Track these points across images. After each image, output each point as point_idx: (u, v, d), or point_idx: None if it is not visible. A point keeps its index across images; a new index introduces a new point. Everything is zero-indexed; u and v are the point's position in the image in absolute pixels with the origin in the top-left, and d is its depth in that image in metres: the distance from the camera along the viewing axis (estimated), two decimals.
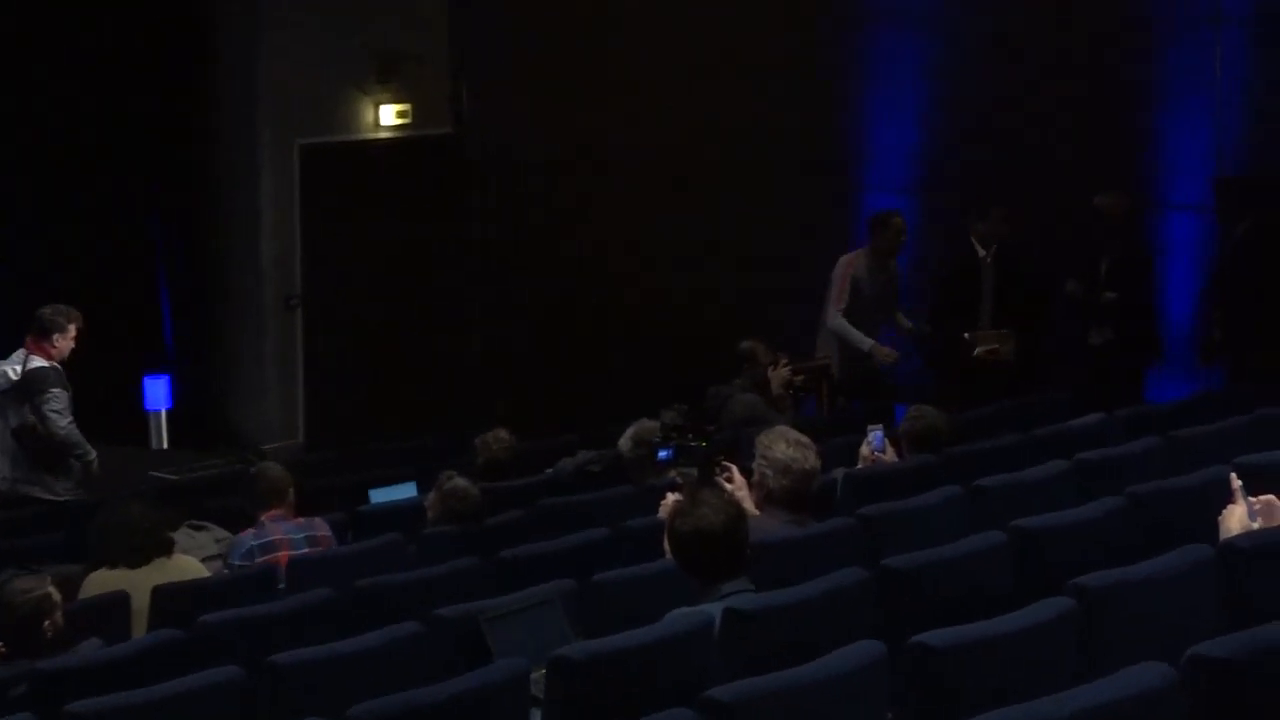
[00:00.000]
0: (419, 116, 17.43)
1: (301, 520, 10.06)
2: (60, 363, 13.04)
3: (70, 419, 13.06)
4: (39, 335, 13.09)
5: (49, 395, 12.91)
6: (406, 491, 11.67)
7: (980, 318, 13.87)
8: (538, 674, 6.10)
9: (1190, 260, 14.04)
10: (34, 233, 17.68)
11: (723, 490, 7.99)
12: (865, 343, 13.67)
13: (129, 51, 17.05)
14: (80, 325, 13.23)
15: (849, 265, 13.89)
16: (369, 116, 17.35)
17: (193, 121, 17.11)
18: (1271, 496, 6.59)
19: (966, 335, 13.61)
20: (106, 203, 17.35)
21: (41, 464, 12.94)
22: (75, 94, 17.20)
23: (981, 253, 13.91)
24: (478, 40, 17.33)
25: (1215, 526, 6.53)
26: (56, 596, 7.59)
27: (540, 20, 16.94)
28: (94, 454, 13.20)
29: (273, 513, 9.96)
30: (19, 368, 12.86)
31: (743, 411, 11.04)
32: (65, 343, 13.07)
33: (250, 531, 9.90)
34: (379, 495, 11.60)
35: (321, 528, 10.10)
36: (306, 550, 9.72)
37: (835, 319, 13.74)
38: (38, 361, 12.97)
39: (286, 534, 9.80)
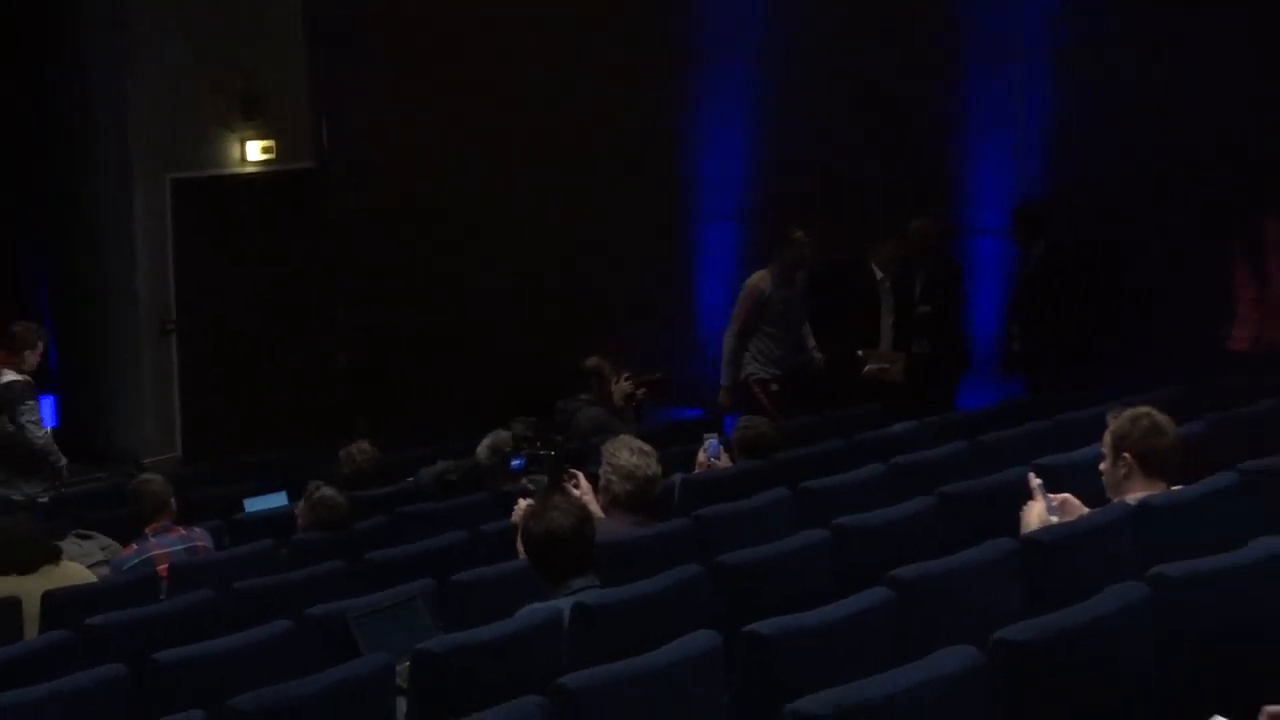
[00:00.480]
0: (283, 151, 17.29)
1: (182, 531, 10.04)
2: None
3: (45, 429, 13.42)
4: (11, 350, 13.16)
5: (25, 406, 13.02)
6: (278, 500, 11.65)
7: (880, 339, 13.99)
8: (402, 666, 6.12)
9: (994, 280, 14.17)
10: None
11: (571, 495, 8.05)
12: (728, 377, 13.70)
13: (7, 104, 16.88)
14: (45, 341, 13.62)
15: (755, 284, 13.78)
16: (235, 152, 17.20)
17: (68, 156, 16.94)
18: (1068, 495, 6.73)
19: (859, 353, 13.70)
20: None
21: (15, 468, 12.96)
22: None
23: (880, 275, 14.03)
24: (334, 77, 17.22)
25: (1017, 521, 6.66)
26: None
27: (387, 56, 16.88)
28: (64, 460, 13.47)
29: (156, 524, 9.94)
30: None
31: (589, 424, 11.09)
32: (35, 357, 13.26)
33: (133, 548, 9.88)
34: (253, 504, 11.57)
35: (201, 538, 10.08)
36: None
37: (730, 338, 13.75)
38: (10, 375, 13.07)
39: (167, 547, 9.78)
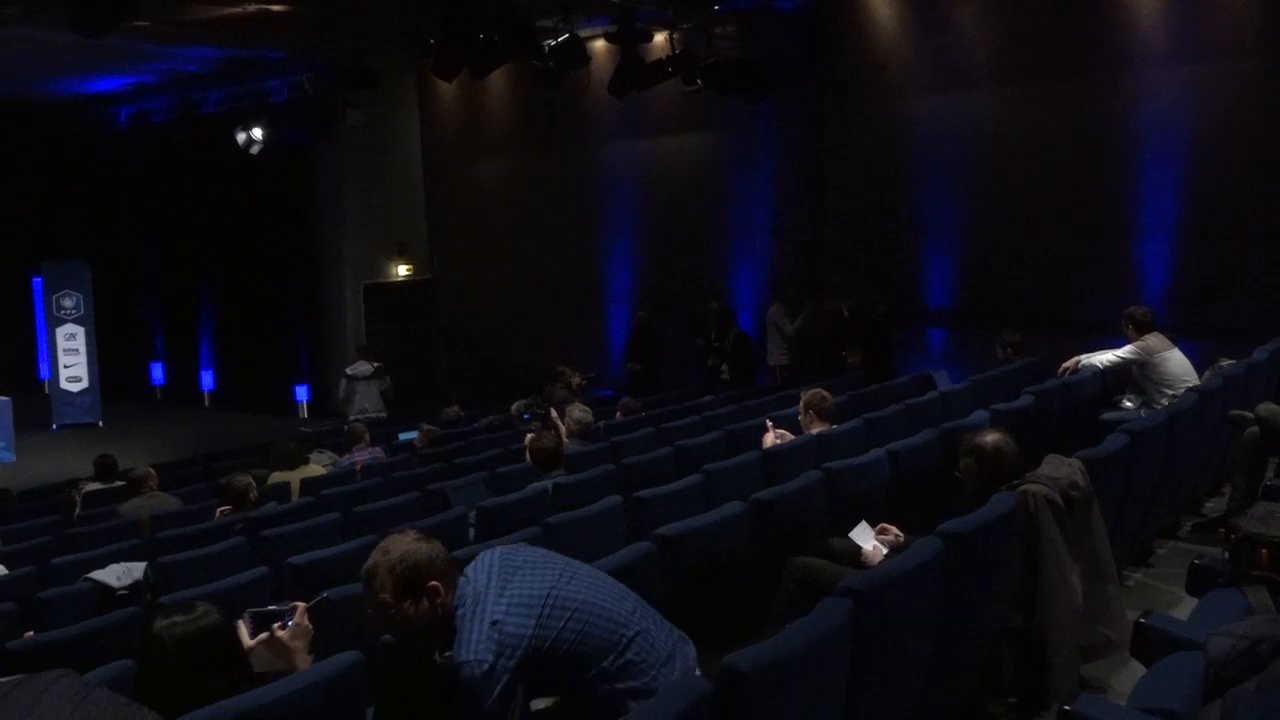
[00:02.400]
0: (416, 269, 17.19)
1: (371, 449, 9.89)
2: None
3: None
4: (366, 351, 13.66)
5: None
6: (412, 434, 11.45)
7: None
8: (472, 514, 6.04)
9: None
10: (252, 323, 17.30)
11: (553, 430, 8.00)
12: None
13: (289, 246, 16.72)
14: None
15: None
16: (394, 269, 17.08)
17: (316, 273, 16.77)
18: (784, 430, 6.65)
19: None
20: (282, 309, 17.00)
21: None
22: (269, 267, 16.88)
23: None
24: (439, 236, 17.13)
25: (760, 443, 6.60)
26: (254, 483, 7.42)
27: (466, 222, 16.77)
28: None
29: (359, 445, 9.80)
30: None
31: (562, 398, 10.99)
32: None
33: (348, 455, 9.74)
34: (404, 435, 11.40)
35: (379, 452, 9.94)
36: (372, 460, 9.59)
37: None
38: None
39: (362, 456, 9.65)
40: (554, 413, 9.14)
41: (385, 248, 16.94)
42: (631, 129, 14.55)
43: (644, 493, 5.42)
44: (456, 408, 12.03)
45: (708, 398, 11.03)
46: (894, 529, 4.67)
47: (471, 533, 5.94)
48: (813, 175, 12.85)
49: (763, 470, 6.03)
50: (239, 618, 3.30)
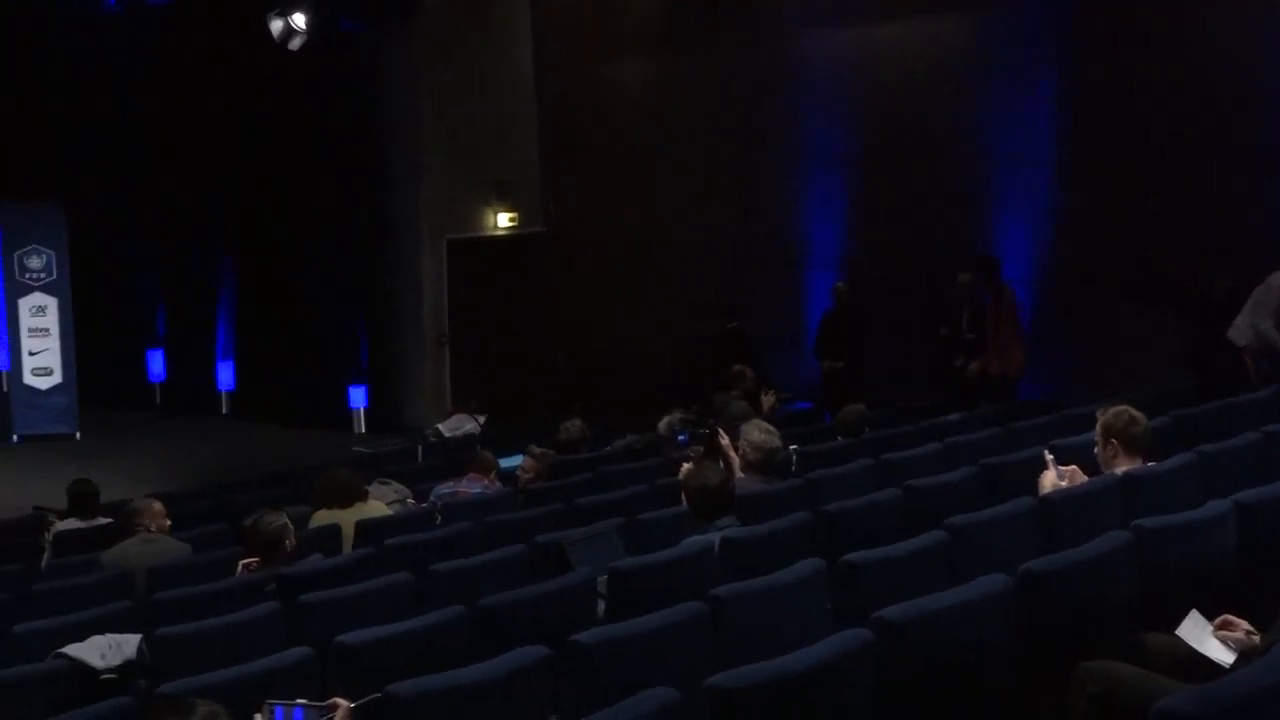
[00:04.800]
0: (522, 220, 17.46)
1: (486, 480, 10.13)
2: None
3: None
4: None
5: None
6: (517, 460, 11.65)
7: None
8: (601, 579, 6.09)
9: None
10: (289, 297, 17.87)
11: (719, 460, 8.03)
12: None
13: (342, 187, 17.21)
14: None
15: None
16: (490, 220, 17.39)
17: (379, 226, 17.19)
18: (1074, 466, 6.59)
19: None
20: (330, 279, 17.50)
21: None
22: (313, 218, 17.43)
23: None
24: (555, 171, 17.34)
25: (1036, 486, 6.54)
26: (291, 525, 7.63)
27: (589, 161, 16.93)
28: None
29: (472, 475, 10.05)
30: None
31: (738, 412, 10.99)
32: None
33: (450, 483, 10.09)
34: (506, 462, 11.59)
35: (495, 488, 10.20)
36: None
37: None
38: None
39: (472, 490, 9.89)
40: (722, 436, 9.15)
41: (479, 188, 17.25)
42: (836, 12, 14.51)
43: (856, 556, 5.40)
44: (579, 422, 12.15)
45: (955, 416, 10.90)
46: (1243, 623, 4.56)
47: (600, 606, 5.99)
48: (1121, 81, 12.57)
49: (1039, 527, 5.97)
50: (257, 711, 3.41)
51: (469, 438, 14.19)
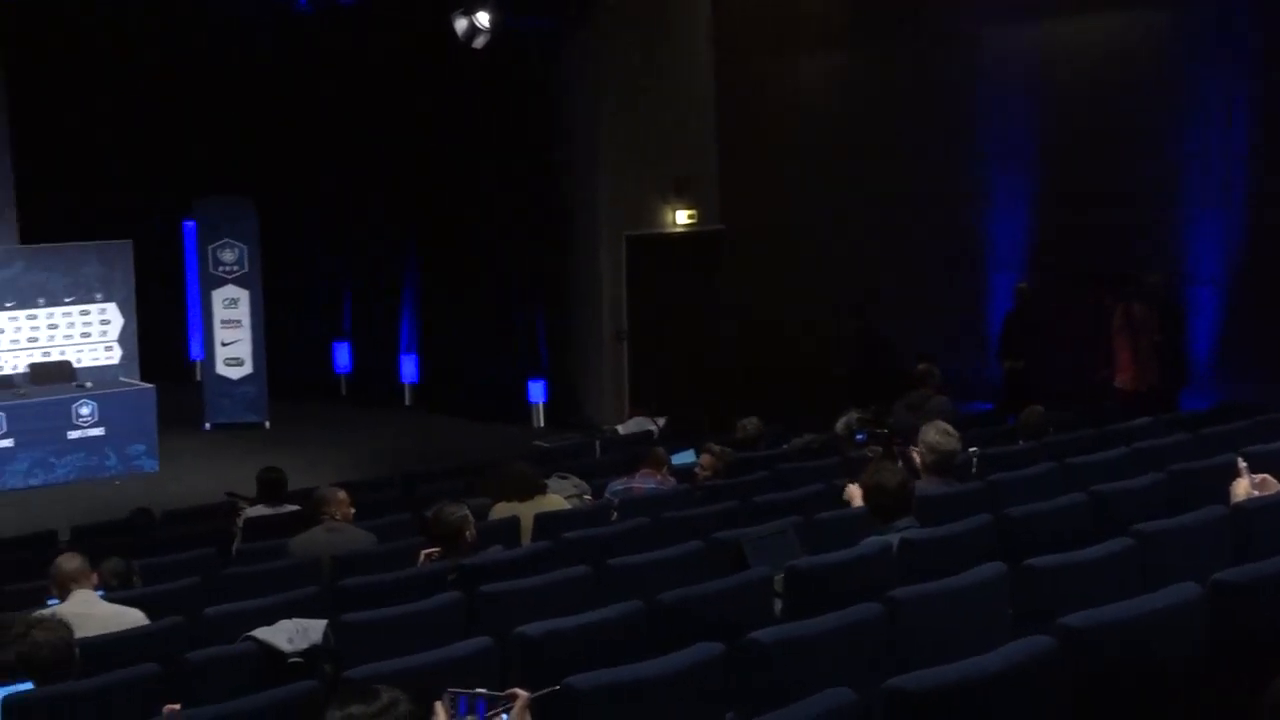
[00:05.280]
0: (701, 217, 17.50)
1: (659, 476, 10.14)
2: None
3: None
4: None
5: None
6: (689, 456, 11.67)
7: None
8: (778, 577, 6.08)
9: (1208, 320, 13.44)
10: (471, 292, 18.15)
11: (901, 460, 7.97)
12: None
13: (523, 183, 17.40)
14: None
15: None
16: (669, 217, 17.45)
17: (559, 223, 17.33)
18: (1267, 475, 6.40)
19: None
20: (511, 275, 17.70)
21: None
22: (495, 214, 17.67)
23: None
24: (734, 168, 17.35)
25: (1228, 493, 6.36)
26: (472, 517, 7.74)
27: (767, 160, 16.88)
28: None
29: (645, 470, 10.08)
30: None
31: (941, 405, 10.89)
32: None
33: (624, 479, 10.07)
34: (676, 458, 11.63)
35: (669, 484, 10.16)
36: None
37: None
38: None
39: (645, 485, 9.91)
40: (913, 448, 9.06)
41: (658, 185, 17.34)
42: (1020, 6, 14.28)
43: (1039, 561, 5.32)
44: (756, 420, 12.14)
45: (1143, 420, 10.67)
46: None
47: (777, 605, 5.98)
48: None
49: (1231, 536, 5.87)
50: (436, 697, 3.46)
51: (647, 435, 14.25)
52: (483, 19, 15.47)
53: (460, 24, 15.60)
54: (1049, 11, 14.19)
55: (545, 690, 4.17)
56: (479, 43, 15.61)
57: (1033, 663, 4.08)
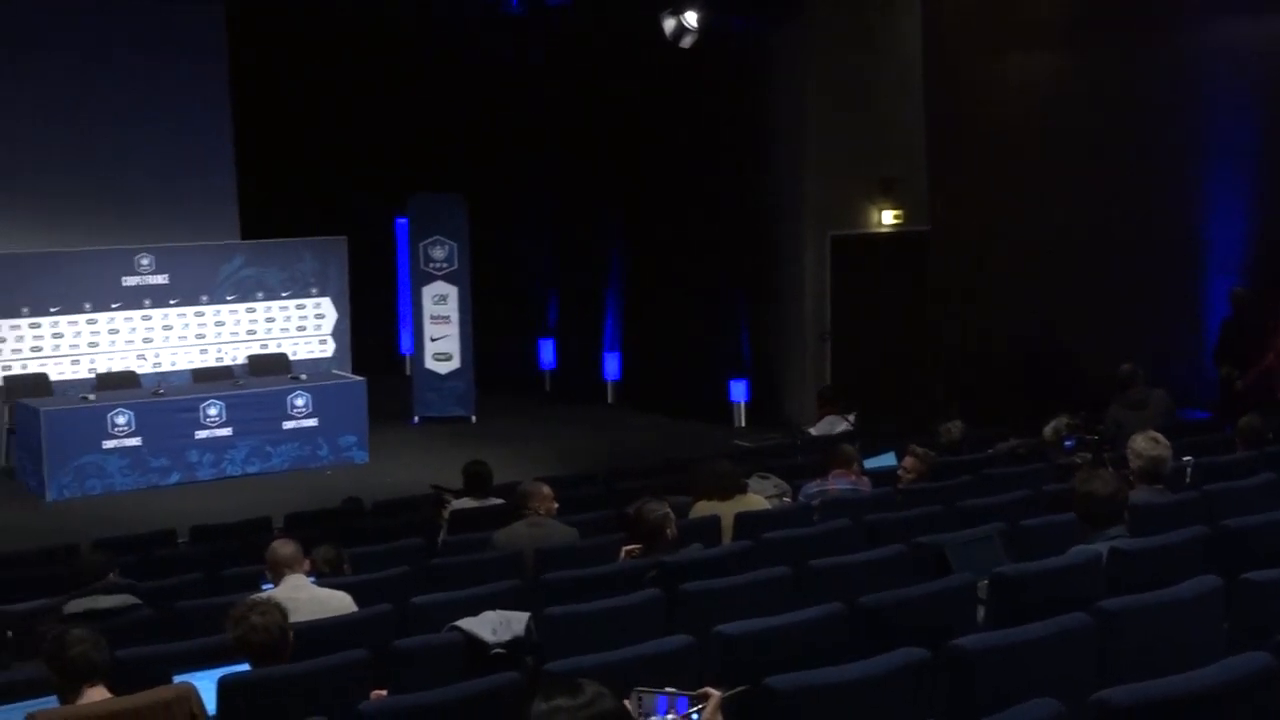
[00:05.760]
0: (907, 218, 17.32)
1: (853, 478, 10.05)
2: None
3: None
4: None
5: None
6: (889, 460, 11.54)
7: None
8: (982, 584, 5.99)
9: None
10: (674, 290, 18.24)
11: (1111, 467, 7.78)
12: None
13: (728, 181, 17.41)
14: None
15: None
16: (875, 217, 17.31)
17: (764, 221, 17.31)
18: None
19: None
20: (714, 273, 17.73)
21: None
22: (699, 212, 17.73)
23: None
24: (943, 169, 17.12)
25: None
26: (672, 515, 7.77)
27: (978, 160, 16.61)
28: None
29: (839, 471, 10.01)
30: None
31: (1160, 402, 10.59)
32: None
33: (818, 481, 9.98)
34: (870, 462, 11.51)
35: (865, 485, 10.05)
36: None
37: None
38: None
39: (840, 486, 9.84)
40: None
41: (863, 185, 17.22)
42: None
43: (1259, 575, 5.15)
44: (959, 423, 11.98)
45: None
46: None
47: (980, 612, 5.90)
48: None
49: None
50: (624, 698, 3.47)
51: (844, 435, 14.13)
52: (690, 19, 15.55)
53: (668, 24, 15.71)
54: (1274, 4, 13.72)
55: (737, 689, 4.16)
56: (686, 42, 15.71)
57: (1252, 680, 3.94)
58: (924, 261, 17.26)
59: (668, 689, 3.67)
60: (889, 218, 17.30)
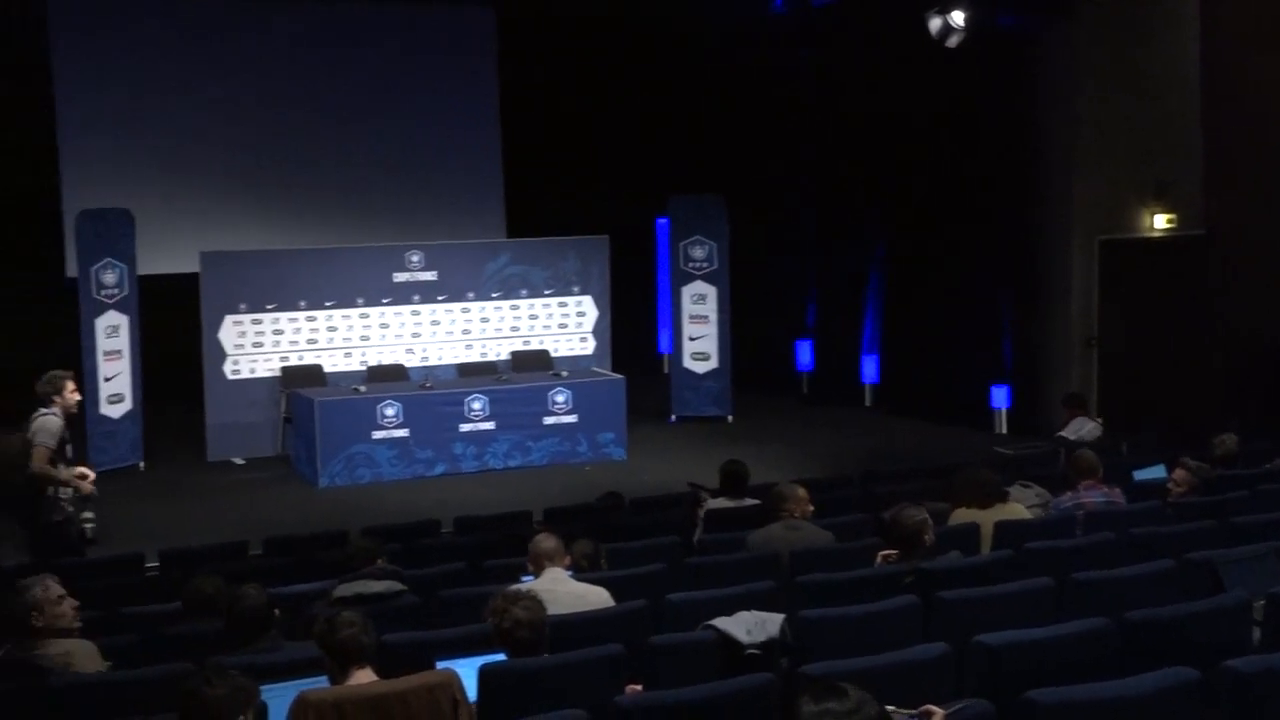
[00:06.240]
0: (1181, 222, 16.77)
1: (1105, 489, 9.78)
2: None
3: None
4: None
5: None
6: (1158, 472, 11.17)
7: None
8: (1257, 604, 5.76)
9: None
10: (935, 293, 18.02)
11: None
12: None
13: (992, 184, 17.14)
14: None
15: None
16: (1146, 221, 16.81)
17: (1029, 224, 16.98)
18: None
19: None
20: (976, 276, 17.46)
21: None
22: (962, 214, 17.49)
23: None
24: (1220, 171, 16.52)
25: None
26: (930, 521, 7.68)
27: (1256, 161, 15.98)
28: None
29: (1088, 481, 9.75)
30: None
31: None
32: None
33: (1068, 494, 9.74)
34: (1140, 474, 11.17)
35: (1118, 495, 9.78)
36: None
37: None
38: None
39: (1092, 498, 9.58)
40: None
41: (1135, 188, 16.73)
42: None
43: None
44: (1234, 436, 11.53)
45: None
46: None
47: (1255, 634, 5.68)
48: None
49: None
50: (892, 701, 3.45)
51: (1097, 441, 13.74)
52: (957, 18, 15.32)
53: (934, 23, 15.50)
54: None
55: (954, 708, 4.10)
56: (953, 41, 15.47)
57: None
58: (1198, 267, 16.69)
59: (888, 706, 3.63)
60: (1161, 221, 16.79)
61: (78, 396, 10.77)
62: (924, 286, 18.36)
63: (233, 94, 19.08)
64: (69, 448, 10.45)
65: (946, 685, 5.14)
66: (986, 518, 8.78)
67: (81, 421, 14.84)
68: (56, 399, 10.44)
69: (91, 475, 10.59)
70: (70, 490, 10.34)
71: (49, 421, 10.27)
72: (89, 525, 10.53)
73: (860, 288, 19.57)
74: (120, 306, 15.48)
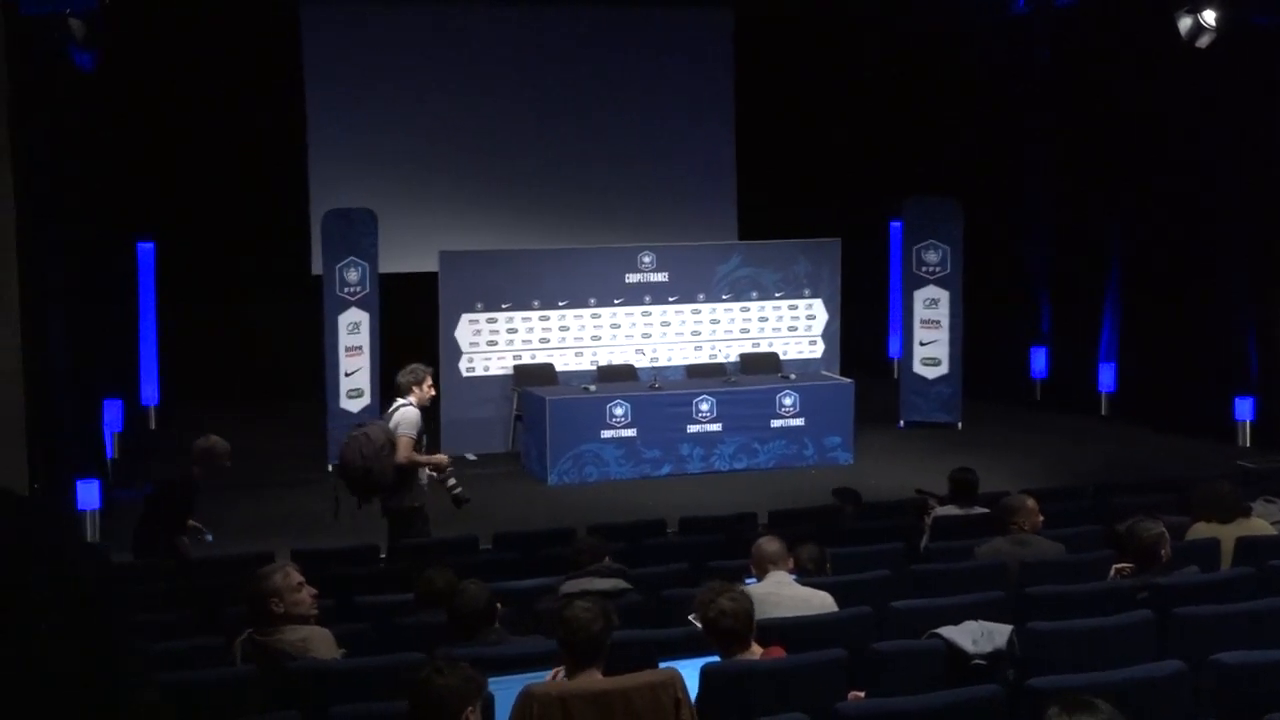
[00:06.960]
0: None
1: None
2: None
3: None
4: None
5: None
6: None
7: None
8: None
9: None
10: (1177, 301, 17.50)
11: None
12: None
13: (1239, 187, 16.55)
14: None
15: None
16: None
17: (1260, 223, 16.34)
18: None
19: None
20: (1221, 285, 16.88)
21: None
22: (1208, 220, 16.92)
23: None
24: None
25: None
26: (1167, 535, 7.47)
27: None
28: None
29: None
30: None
31: None
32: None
33: None
34: None
35: None
36: None
37: None
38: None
39: None
40: None
41: None
42: None
43: None
44: None
45: None
46: None
47: None
48: None
49: None
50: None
51: None
52: (1208, 17, 14.83)
53: (1184, 23, 15.03)
54: None
55: None
56: (1203, 41, 14.98)
57: None
58: None
59: None
60: None
61: (434, 392, 11.18)
62: (1165, 292, 17.80)
63: (472, 97, 19.57)
64: (424, 438, 10.89)
65: (1182, 705, 4.99)
66: (1227, 533, 8.51)
67: (322, 415, 15.38)
68: (416, 390, 10.87)
69: (446, 458, 11.06)
70: (432, 473, 10.80)
71: (409, 413, 10.73)
72: (458, 490, 10.88)
73: (1097, 294, 19.07)
74: (362, 303, 15.96)
